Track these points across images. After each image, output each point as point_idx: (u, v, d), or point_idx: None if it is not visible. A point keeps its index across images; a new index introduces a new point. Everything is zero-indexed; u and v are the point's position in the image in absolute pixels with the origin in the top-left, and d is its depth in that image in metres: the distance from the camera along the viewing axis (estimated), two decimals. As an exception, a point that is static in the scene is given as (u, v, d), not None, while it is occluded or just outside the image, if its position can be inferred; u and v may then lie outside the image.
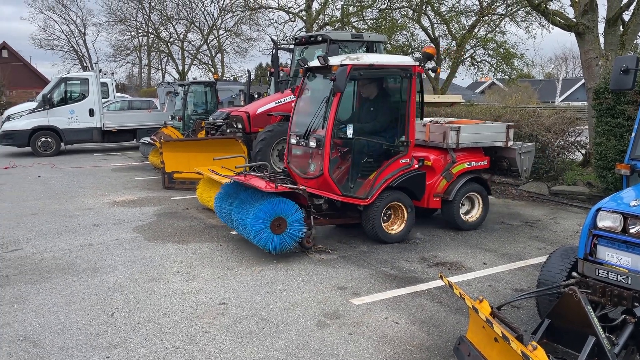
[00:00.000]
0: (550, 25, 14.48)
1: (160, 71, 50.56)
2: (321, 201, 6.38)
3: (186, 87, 15.99)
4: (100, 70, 17.39)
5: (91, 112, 16.41)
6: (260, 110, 11.16)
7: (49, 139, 15.91)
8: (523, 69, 22.43)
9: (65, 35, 49.76)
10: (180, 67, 43.43)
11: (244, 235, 6.04)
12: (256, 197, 5.95)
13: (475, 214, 7.36)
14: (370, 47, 11.09)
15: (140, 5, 42.14)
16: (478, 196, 7.34)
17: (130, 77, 56.79)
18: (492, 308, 3.22)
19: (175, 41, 43.38)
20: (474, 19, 20.49)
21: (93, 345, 3.98)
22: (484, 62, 21.89)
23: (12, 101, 42.26)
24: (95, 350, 3.90)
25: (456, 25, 21.02)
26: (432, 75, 19.02)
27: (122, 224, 7.59)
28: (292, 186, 6.10)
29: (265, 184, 5.93)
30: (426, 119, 7.63)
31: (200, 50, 42.68)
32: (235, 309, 4.64)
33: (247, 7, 27.49)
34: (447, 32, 21.25)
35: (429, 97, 15.85)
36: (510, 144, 7.49)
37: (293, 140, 6.74)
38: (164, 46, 44.38)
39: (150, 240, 6.75)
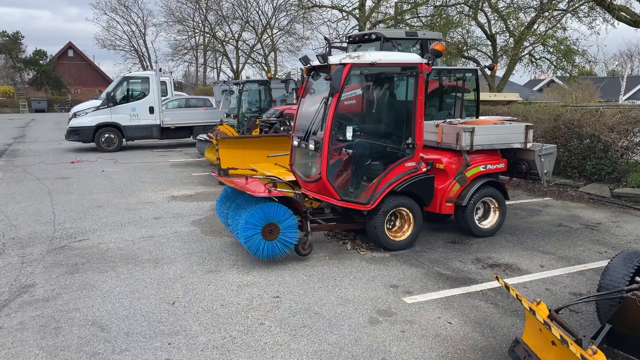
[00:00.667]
0: (615, 21, 13.86)
1: (216, 70, 51.87)
2: (312, 207, 6.40)
3: (241, 85, 16.33)
4: (160, 70, 18.03)
5: (151, 110, 17.05)
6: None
7: (112, 135, 16.67)
8: (585, 66, 21.54)
9: (127, 36, 51.92)
10: (234, 66, 44.37)
11: (238, 241, 5.83)
12: (250, 202, 5.74)
13: (491, 220, 6.97)
14: (425, 45, 10.99)
15: (197, 6, 43.35)
16: (494, 201, 6.93)
17: (187, 75, 58.53)
18: (549, 311, 3.17)
19: (230, 40, 44.38)
20: (533, 15, 19.88)
21: (156, 332, 4.19)
22: (543, 59, 21.21)
23: (77, 99, 44.50)
24: (158, 336, 4.11)
25: (514, 22, 20.47)
26: (489, 73, 18.59)
27: (181, 218, 7.89)
28: (284, 190, 5.89)
29: (262, 188, 5.73)
30: (438, 120, 7.30)
31: (254, 49, 43.47)
32: (289, 303, 4.75)
33: (301, 6, 27.78)
34: (504, 29, 20.73)
35: (485, 96, 15.52)
36: (529, 145, 7.03)
37: (295, 142, 6.46)
38: (219, 45, 45.44)
39: (207, 234, 6.99)
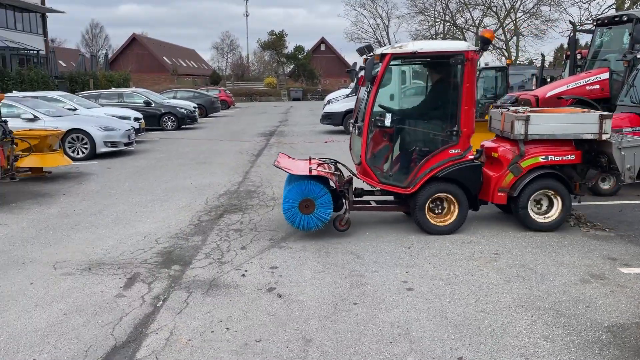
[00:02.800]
0: None
1: (453, 58, 52.04)
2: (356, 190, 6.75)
3: (478, 72, 16.81)
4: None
5: (391, 97, 18.73)
6: (550, 93, 11.30)
7: (357, 120, 18.89)
8: None
9: (372, 28, 55.65)
10: (473, 53, 44.03)
11: None
12: (294, 180, 6.33)
13: (552, 214, 6.49)
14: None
15: (440, -5, 44.20)
16: (556, 195, 6.44)
17: (425, 64, 59.93)
18: None
19: (471, 27, 44.14)
20: None
21: (396, 263, 5.45)
22: None
23: (326, 89, 49.81)
24: (398, 267, 5.36)
25: None
26: None
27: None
28: (324, 171, 6.38)
29: (306, 168, 6.30)
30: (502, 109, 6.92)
31: (494, 35, 42.47)
32: (506, 259, 5.53)
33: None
34: None
35: None
36: (604, 137, 6.31)
37: (352, 128, 6.96)
38: (459, 33, 45.57)
39: (438, 203, 8.06)
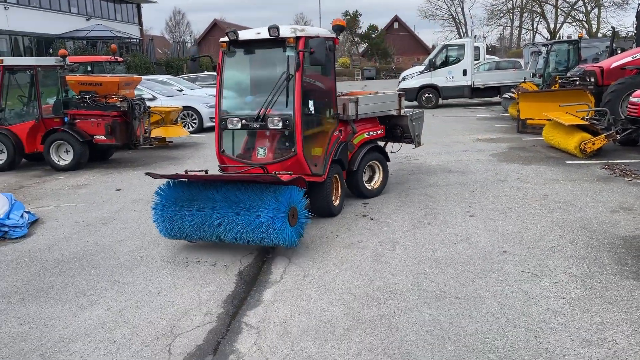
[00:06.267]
0: None
1: (531, 31, 50.98)
2: None
3: (549, 46, 17.47)
4: (474, 36, 20.46)
5: (464, 73, 19.74)
6: (614, 64, 12.06)
7: (431, 95, 20.09)
8: None
9: (446, 5, 55.62)
10: (551, 26, 43.15)
11: None
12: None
13: (377, 180, 7.46)
14: None
15: (516, -32, 43.50)
16: (378, 164, 7.43)
17: (502, 38, 58.97)
18: None
19: (549, 0, 43.14)
20: None
21: (462, 201, 6.93)
22: None
23: (399, 67, 50.52)
24: (463, 203, 6.84)
25: None
26: None
27: (482, 152, 10.43)
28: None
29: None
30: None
31: (574, 7, 41.36)
32: (553, 199, 6.86)
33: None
34: None
35: None
36: (402, 111, 7.70)
37: None
38: (537, 6, 44.68)
39: (500, 161, 9.38)
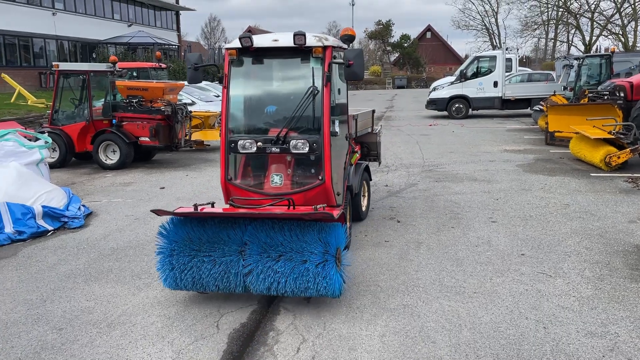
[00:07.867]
0: None
1: (566, 44, 50.51)
2: None
3: (581, 60, 17.55)
4: (506, 48, 20.65)
5: (495, 84, 19.96)
6: (645, 80, 12.18)
7: (461, 105, 20.35)
8: None
9: (480, 15, 55.48)
10: (587, 38, 42.72)
11: None
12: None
13: (365, 198, 7.05)
14: None
15: (552, -20, 43.23)
16: (365, 184, 6.92)
17: (536, 50, 58.51)
18: None
19: (585, 13, 42.75)
20: None
21: (486, 208, 7.29)
22: None
23: (430, 76, 50.67)
24: (487, 210, 7.20)
25: None
26: None
27: (509, 162, 10.73)
28: None
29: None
30: None
31: (610, 20, 40.89)
32: (574, 208, 7.16)
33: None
34: None
35: None
36: (375, 129, 7.43)
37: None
38: (572, 18, 44.29)
39: (526, 172, 9.68)
